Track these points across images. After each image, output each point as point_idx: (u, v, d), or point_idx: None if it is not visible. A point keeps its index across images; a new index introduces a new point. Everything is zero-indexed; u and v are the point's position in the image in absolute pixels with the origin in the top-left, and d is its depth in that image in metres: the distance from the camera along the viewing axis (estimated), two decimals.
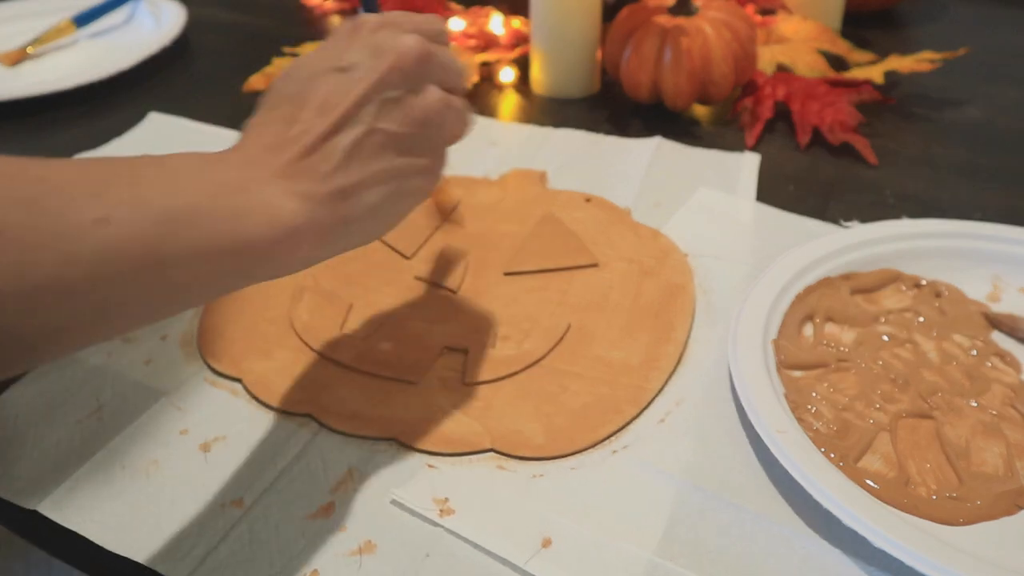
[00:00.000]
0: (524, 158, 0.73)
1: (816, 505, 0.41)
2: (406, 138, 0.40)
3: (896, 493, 0.43)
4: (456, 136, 0.44)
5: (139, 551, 0.42)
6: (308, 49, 0.94)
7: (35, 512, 0.44)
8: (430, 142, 0.42)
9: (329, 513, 0.43)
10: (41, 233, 0.29)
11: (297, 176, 0.37)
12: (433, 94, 0.41)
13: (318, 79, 0.39)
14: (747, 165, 0.71)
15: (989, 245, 0.57)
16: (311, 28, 1.03)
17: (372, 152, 0.39)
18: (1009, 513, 0.43)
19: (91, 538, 0.42)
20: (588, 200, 0.66)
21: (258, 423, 0.48)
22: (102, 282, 0.30)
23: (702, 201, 0.66)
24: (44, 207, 0.29)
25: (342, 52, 0.40)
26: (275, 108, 0.40)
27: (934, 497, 0.43)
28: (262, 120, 0.39)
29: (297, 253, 0.37)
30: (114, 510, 0.44)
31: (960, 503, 0.43)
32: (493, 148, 0.75)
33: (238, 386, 0.51)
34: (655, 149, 0.73)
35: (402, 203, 0.42)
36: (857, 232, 0.58)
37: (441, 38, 0.43)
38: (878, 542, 0.39)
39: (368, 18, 0.42)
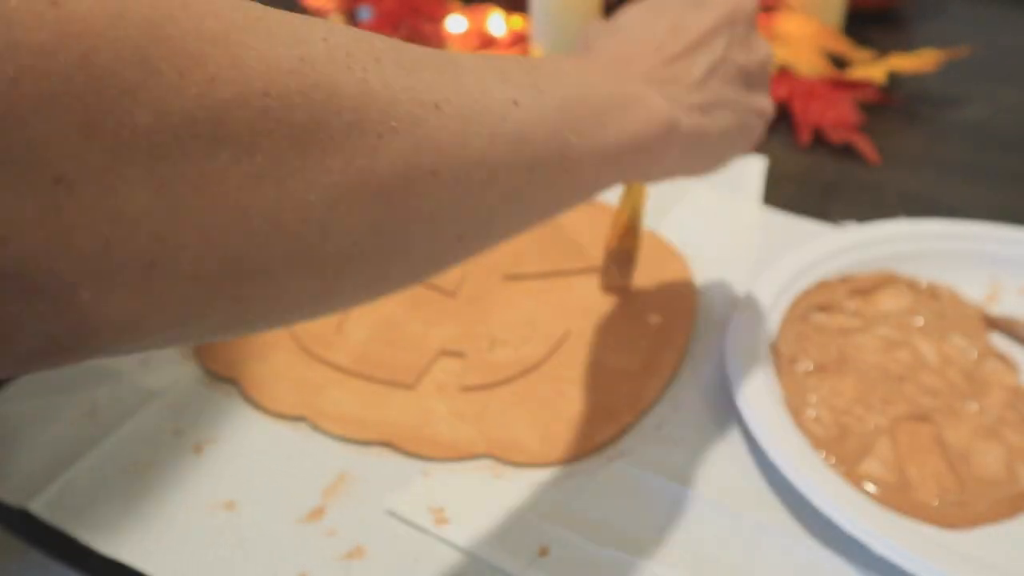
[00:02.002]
0: None
1: (815, 511, 0.41)
2: (751, 75, 0.42)
3: (896, 498, 0.43)
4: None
5: (128, 552, 0.41)
6: None
7: (27, 511, 0.44)
8: (764, 88, 0.43)
9: (320, 517, 0.43)
10: (470, 109, 0.28)
11: (663, 82, 0.38)
12: (766, 42, 0.43)
13: (666, 10, 0.41)
14: (753, 168, 0.70)
15: (987, 246, 0.57)
16: None
17: (725, 78, 0.40)
18: (1010, 517, 0.42)
19: (80, 538, 0.42)
20: (590, 204, 0.66)
21: (251, 425, 0.48)
22: (517, 167, 0.29)
23: (697, 201, 0.66)
24: (467, 85, 0.28)
25: None
26: (617, 32, 0.41)
27: (935, 502, 0.43)
28: (606, 40, 0.40)
29: (669, 152, 0.37)
30: (105, 510, 0.43)
31: (961, 507, 0.42)
32: None
33: (232, 388, 0.51)
34: None
35: (742, 137, 0.43)
36: (854, 233, 0.57)
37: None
38: (879, 548, 0.39)
39: None
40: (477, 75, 0.29)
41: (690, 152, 0.39)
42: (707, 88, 0.39)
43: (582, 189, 0.34)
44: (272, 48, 0.22)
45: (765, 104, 0.44)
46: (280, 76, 0.22)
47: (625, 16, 0.42)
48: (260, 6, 0.23)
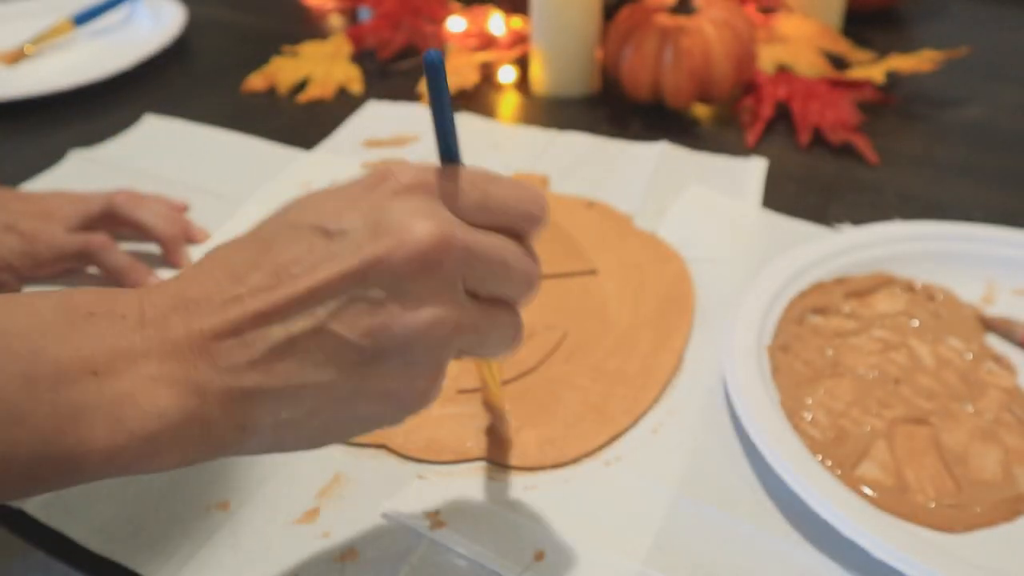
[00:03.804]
0: (527, 161, 0.73)
1: (813, 515, 0.41)
2: (369, 355, 0.30)
3: (894, 501, 0.43)
4: (497, 353, 0.34)
5: (122, 552, 0.41)
6: (308, 48, 0.93)
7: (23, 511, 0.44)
8: (407, 369, 0.31)
9: (314, 518, 0.43)
10: None
11: (198, 357, 0.29)
12: (430, 314, 0.30)
13: (296, 232, 0.30)
14: (753, 170, 0.70)
15: (982, 247, 0.57)
16: (310, 27, 1.03)
17: (311, 359, 0.30)
18: (1008, 520, 0.42)
19: (75, 538, 0.42)
20: (589, 205, 0.66)
21: None
22: None
23: (695, 200, 0.66)
24: None
25: (343, 208, 0.31)
26: (238, 249, 0.31)
27: (932, 505, 0.43)
28: (214, 258, 0.31)
29: (154, 461, 0.29)
30: (100, 510, 0.43)
31: (958, 510, 0.42)
32: (496, 151, 0.75)
33: None
34: (660, 154, 0.73)
35: (339, 430, 0.33)
36: (850, 235, 0.57)
37: (524, 224, 0.33)
38: (877, 552, 0.38)
39: (402, 171, 0.32)
40: None
41: (219, 445, 0.30)
42: (268, 373, 0.29)
43: None
44: None
45: (395, 391, 0.32)
46: None
47: (280, 213, 0.32)
48: None
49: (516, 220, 0.33)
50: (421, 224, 0.29)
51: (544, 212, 0.34)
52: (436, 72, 0.31)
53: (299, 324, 0.29)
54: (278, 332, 0.29)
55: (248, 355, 0.29)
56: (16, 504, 0.44)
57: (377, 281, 0.29)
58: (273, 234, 0.31)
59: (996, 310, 0.54)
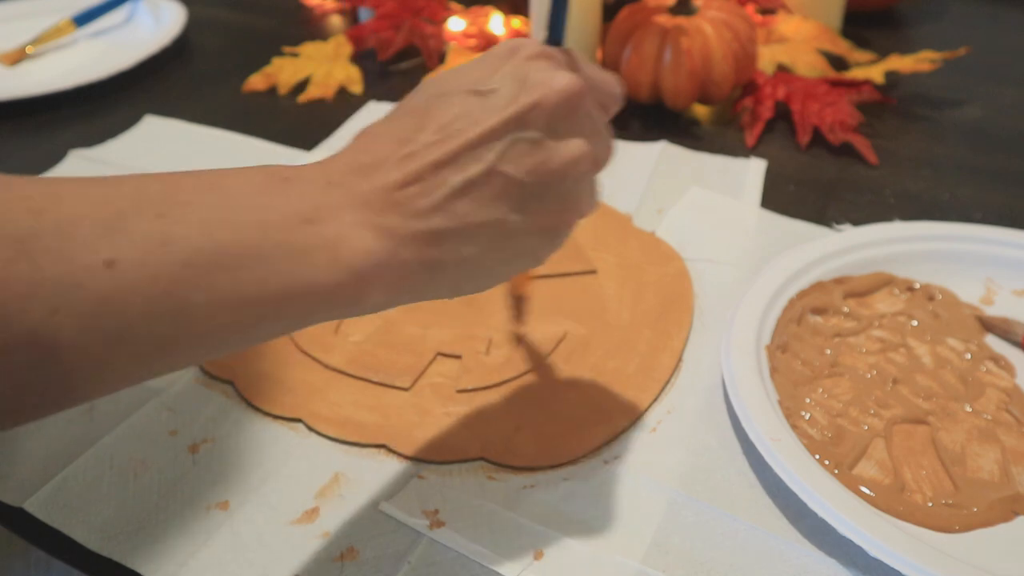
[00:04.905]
0: None
1: (811, 514, 0.41)
2: (531, 191, 0.34)
3: (891, 500, 0.43)
4: (584, 211, 0.38)
5: (122, 551, 0.41)
6: (308, 49, 0.94)
7: (24, 510, 0.44)
8: (560, 202, 0.36)
9: (313, 518, 0.43)
10: (28, 281, 0.25)
11: (387, 207, 0.32)
12: (578, 147, 0.35)
13: (450, 98, 0.34)
14: (752, 171, 0.70)
15: (982, 248, 0.57)
16: (311, 28, 1.03)
17: (485, 198, 0.33)
18: (1005, 520, 0.42)
19: (75, 537, 0.42)
20: None
21: (247, 426, 0.48)
22: (100, 334, 0.27)
23: (695, 201, 0.66)
24: (38, 247, 0.26)
25: (487, 74, 0.35)
26: (394, 121, 0.35)
27: (930, 504, 0.43)
28: (374, 131, 0.35)
29: (366, 298, 0.32)
30: (100, 510, 0.44)
31: (956, 510, 0.42)
32: None
33: (229, 388, 0.51)
34: (659, 154, 0.73)
35: (505, 265, 0.36)
36: (850, 235, 0.57)
37: (611, 102, 0.38)
38: (874, 551, 0.38)
39: (527, 43, 0.36)
40: (64, 232, 0.26)
41: (411, 285, 0.33)
42: (449, 213, 0.33)
43: (226, 343, 0.30)
44: None
45: (550, 226, 0.36)
46: None
47: (421, 90, 0.36)
48: None
49: (605, 97, 0.38)
50: (561, 76, 0.34)
51: (622, 94, 0.39)
52: None
53: (472, 168, 0.33)
54: (454, 176, 0.33)
55: (430, 200, 0.33)
56: (16, 503, 0.44)
57: (533, 123, 0.34)
58: (426, 104, 0.35)
59: (995, 310, 0.54)
